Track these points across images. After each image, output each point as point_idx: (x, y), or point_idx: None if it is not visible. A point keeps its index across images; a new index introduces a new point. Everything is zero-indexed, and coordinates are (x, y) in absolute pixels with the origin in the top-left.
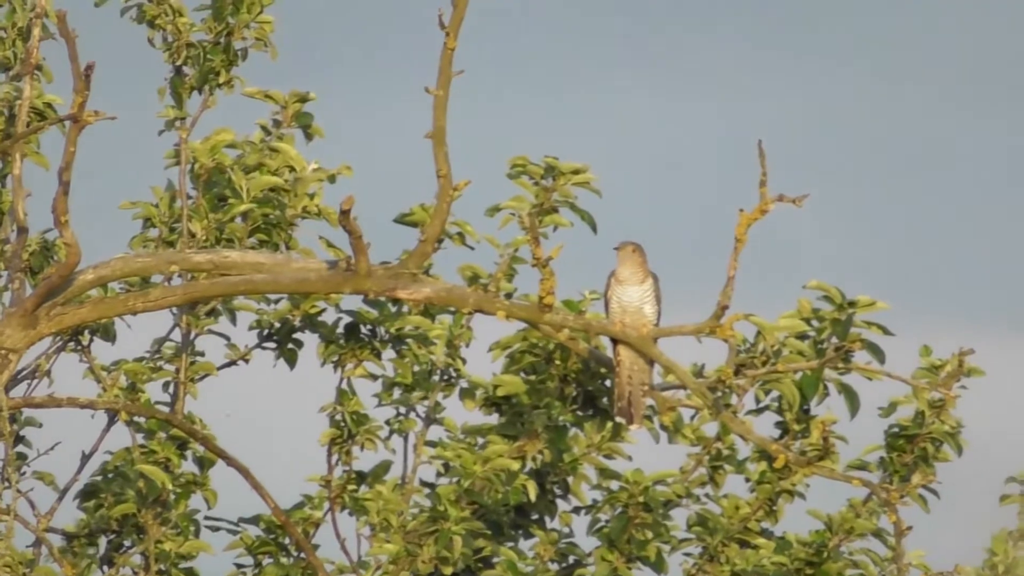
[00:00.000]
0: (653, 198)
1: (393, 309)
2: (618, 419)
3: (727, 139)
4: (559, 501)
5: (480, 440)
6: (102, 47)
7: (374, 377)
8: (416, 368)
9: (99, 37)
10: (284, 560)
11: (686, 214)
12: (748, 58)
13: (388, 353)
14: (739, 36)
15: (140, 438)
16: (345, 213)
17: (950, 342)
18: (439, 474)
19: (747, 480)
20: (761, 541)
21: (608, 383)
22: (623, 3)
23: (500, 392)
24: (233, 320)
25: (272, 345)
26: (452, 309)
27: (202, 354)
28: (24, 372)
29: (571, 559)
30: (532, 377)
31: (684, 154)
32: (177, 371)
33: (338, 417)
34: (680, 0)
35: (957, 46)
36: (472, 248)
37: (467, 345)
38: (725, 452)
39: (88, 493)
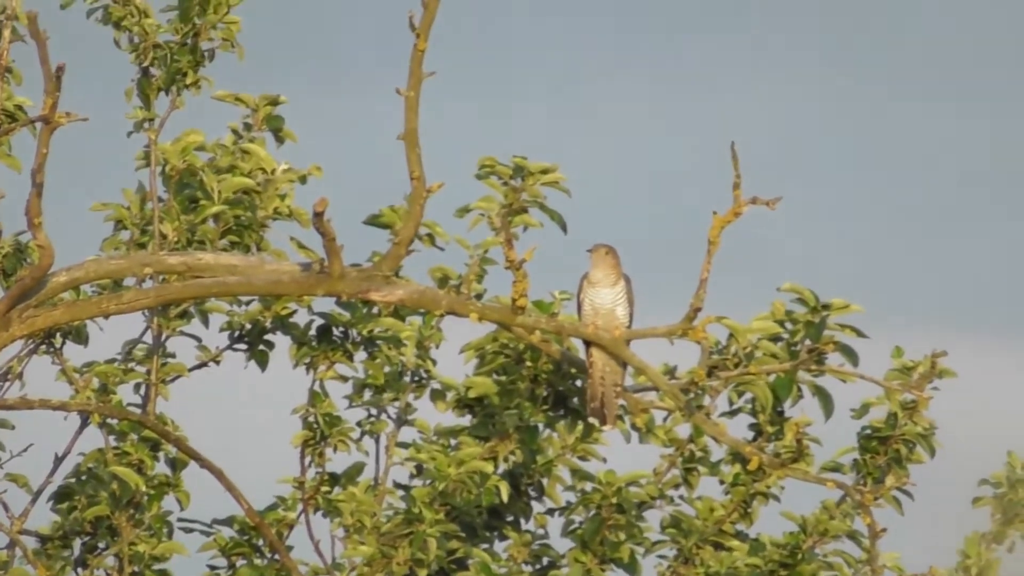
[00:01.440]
0: (625, 200)
1: (365, 311)
2: (591, 420)
3: (701, 140)
4: (533, 503)
5: (452, 441)
6: (69, 49)
7: (345, 379)
8: (387, 369)
9: (65, 39)
10: (258, 562)
11: (659, 216)
12: (721, 59)
13: (360, 355)
14: (712, 38)
15: (112, 440)
16: (319, 215)
17: (924, 345)
18: (412, 476)
19: (721, 482)
20: (735, 543)
21: (579, 383)
22: (598, 3)
23: (471, 393)
24: (205, 322)
25: (243, 347)
26: (423, 311)
27: (173, 355)
28: None
29: (545, 560)
30: (503, 378)
31: (657, 156)
32: (148, 373)
33: (310, 419)
34: (653, 1)
35: (931, 45)
36: (442, 249)
37: (437, 346)
38: (698, 454)
39: (61, 495)
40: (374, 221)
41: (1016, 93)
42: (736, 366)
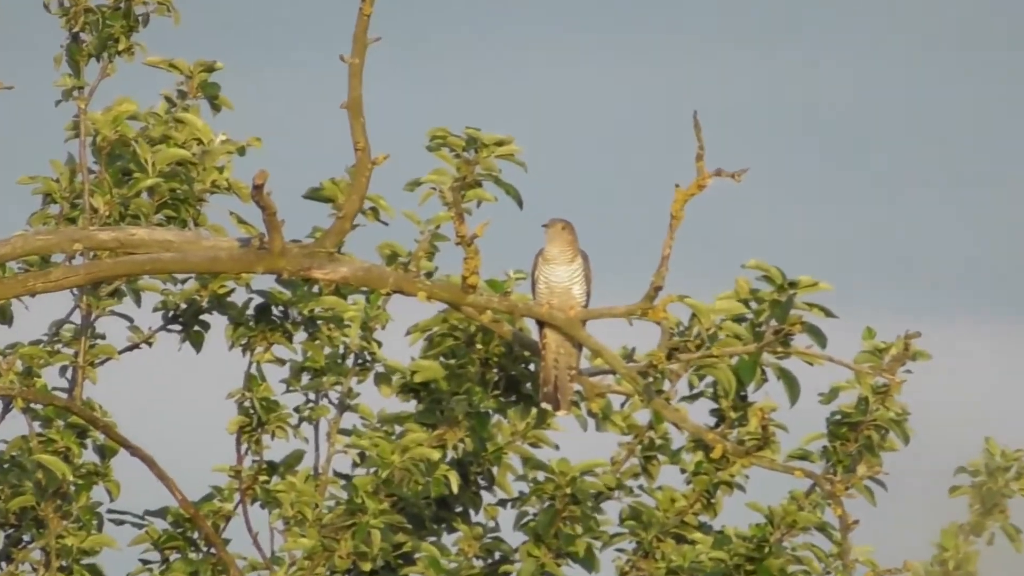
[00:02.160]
0: (584, 173)
1: (306, 289)
2: (544, 405)
3: (663, 113)
4: (484, 493)
5: (397, 428)
6: None
7: (283, 362)
8: (328, 351)
9: None
10: (193, 555)
11: (619, 190)
12: (685, 31)
13: (300, 336)
14: (674, 7)
15: (37, 426)
16: (258, 188)
17: (897, 325)
18: (355, 464)
19: (683, 471)
20: (698, 536)
21: (532, 367)
22: None
23: (418, 377)
24: (137, 301)
25: (177, 327)
26: (367, 290)
27: (103, 337)
28: None
29: (497, 555)
30: (452, 361)
31: (617, 127)
32: (76, 355)
33: (247, 404)
34: None
35: (902, 11)
36: (386, 224)
37: (383, 327)
38: (658, 441)
39: None
40: (315, 195)
41: (988, 59)
42: (698, 348)
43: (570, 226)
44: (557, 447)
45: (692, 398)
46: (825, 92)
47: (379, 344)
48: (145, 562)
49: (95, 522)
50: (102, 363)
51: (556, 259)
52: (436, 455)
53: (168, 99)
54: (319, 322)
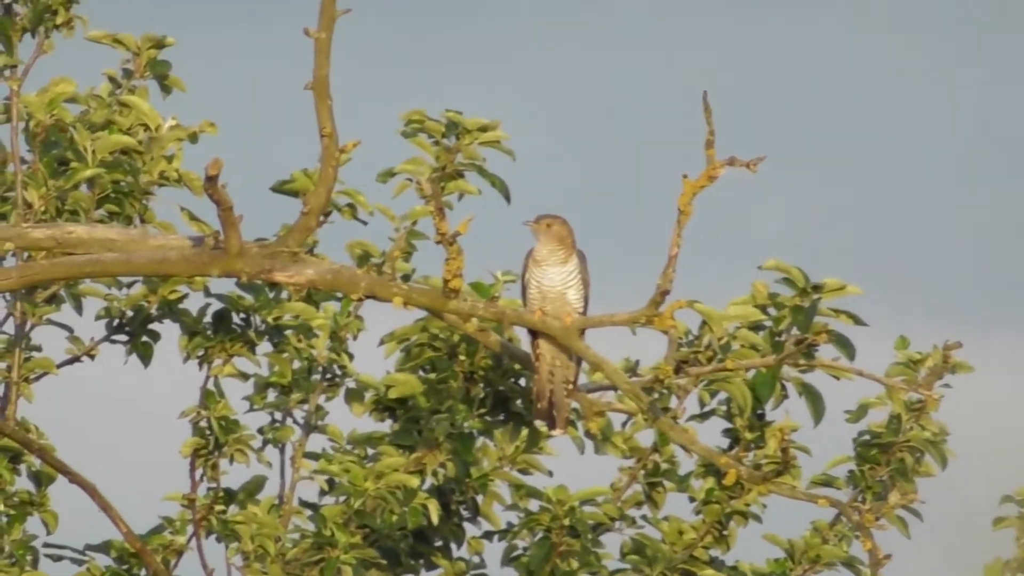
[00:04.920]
0: (580, 162)
1: (271, 295)
2: (537, 424)
3: (670, 94)
4: (467, 525)
5: (370, 451)
6: None
7: (245, 376)
8: (295, 365)
9: None
10: None
11: (621, 181)
12: (698, 6)
13: (263, 347)
14: None
15: None
16: (211, 180)
17: (934, 334)
18: (323, 492)
19: (691, 500)
20: (709, 572)
21: (523, 382)
22: None
23: (393, 393)
24: (78, 308)
25: (123, 338)
26: (339, 295)
27: (39, 349)
28: None
29: None
30: (432, 375)
31: (618, 111)
32: (9, 369)
33: (203, 423)
34: None
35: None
36: (365, 223)
37: (355, 337)
38: (664, 466)
39: None
40: (284, 188)
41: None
42: (709, 360)
43: (561, 221)
44: (551, 473)
45: (702, 417)
46: (857, 72)
47: (350, 356)
48: None
49: (29, 558)
50: (38, 378)
51: (547, 260)
52: (414, 482)
53: (112, 79)
54: (286, 331)
